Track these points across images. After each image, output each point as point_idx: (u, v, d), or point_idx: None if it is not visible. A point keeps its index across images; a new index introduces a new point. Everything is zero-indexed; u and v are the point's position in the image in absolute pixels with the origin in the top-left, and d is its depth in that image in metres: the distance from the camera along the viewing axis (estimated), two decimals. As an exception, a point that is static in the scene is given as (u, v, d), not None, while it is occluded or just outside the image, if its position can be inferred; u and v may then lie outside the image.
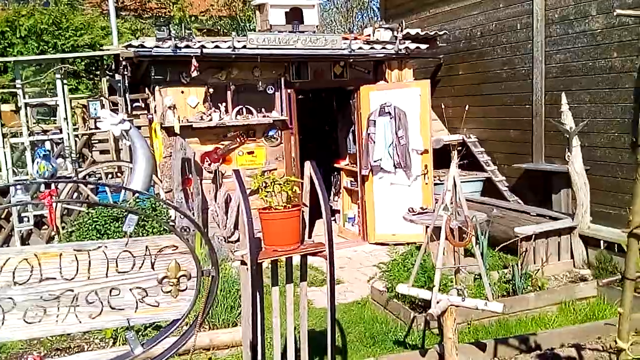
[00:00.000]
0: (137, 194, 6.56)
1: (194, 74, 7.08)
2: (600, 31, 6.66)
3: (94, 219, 5.81)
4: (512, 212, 7.04)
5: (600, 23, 6.65)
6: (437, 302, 3.66)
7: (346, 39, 8.01)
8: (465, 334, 4.96)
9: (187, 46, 7.11)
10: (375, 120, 7.93)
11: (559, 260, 6.37)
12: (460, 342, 3.95)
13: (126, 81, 7.48)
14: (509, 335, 4.72)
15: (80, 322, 2.13)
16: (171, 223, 6.85)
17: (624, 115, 6.45)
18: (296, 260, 3.26)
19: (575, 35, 7.00)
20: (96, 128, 7.26)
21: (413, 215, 5.94)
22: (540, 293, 5.50)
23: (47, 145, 7.34)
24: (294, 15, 7.75)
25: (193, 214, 7.08)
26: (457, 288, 3.79)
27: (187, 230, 6.66)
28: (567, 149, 6.35)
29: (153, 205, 6.35)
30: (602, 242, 6.18)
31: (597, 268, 6.10)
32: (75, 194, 7.26)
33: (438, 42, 8.77)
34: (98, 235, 5.59)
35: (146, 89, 7.66)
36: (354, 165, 8.59)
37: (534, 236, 6.15)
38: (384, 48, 8.14)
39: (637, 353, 2.26)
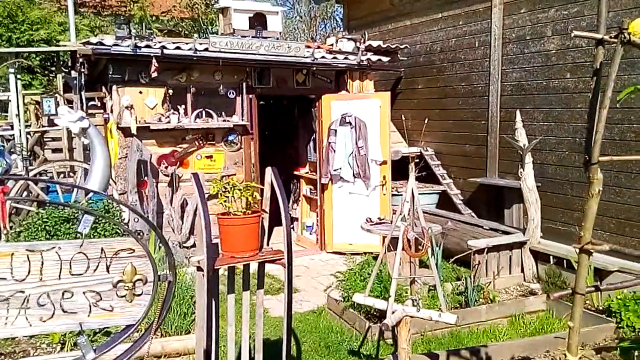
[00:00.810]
0: (89, 195, 6.37)
1: (154, 74, 6.96)
2: (555, 52, 6.89)
3: (44, 220, 5.60)
4: (466, 225, 7.17)
5: (555, 44, 6.88)
6: (393, 313, 3.68)
7: (309, 47, 8.03)
8: (418, 344, 5.01)
9: (148, 46, 6.99)
10: (336, 130, 7.97)
11: (510, 273, 6.52)
12: (413, 353, 3.98)
13: (82, 79, 7.28)
14: (460, 346, 4.80)
15: (30, 325, 2.05)
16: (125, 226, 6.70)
17: (574, 134, 6.67)
18: (253, 267, 3.23)
19: (530, 55, 7.21)
20: (53, 125, 7.04)
21: (371, 225, 5.98)
22: (491, 305, 5.61)
23: (-1, 141, 7.10)
24: (258, 21, 7.72)
25: (148, 217, 6.94)
26: (412, 299, 3.81)
27: (141, 234, 6.52)
28: (520, 165, 6.51)
29: (106, 206, 6.19)
30: (551, 257, 6.35)
31: (546, 282, 6.27)
32: (25, 193, 7.01)
33: (399, 55, 8.90)
34: (48, 237, 5.39)
35: (103, 87, 7.48)
36: (314, 174, 8.60)
37: (486, 249, 6.28)
38: (346, 58, 8.20)
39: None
